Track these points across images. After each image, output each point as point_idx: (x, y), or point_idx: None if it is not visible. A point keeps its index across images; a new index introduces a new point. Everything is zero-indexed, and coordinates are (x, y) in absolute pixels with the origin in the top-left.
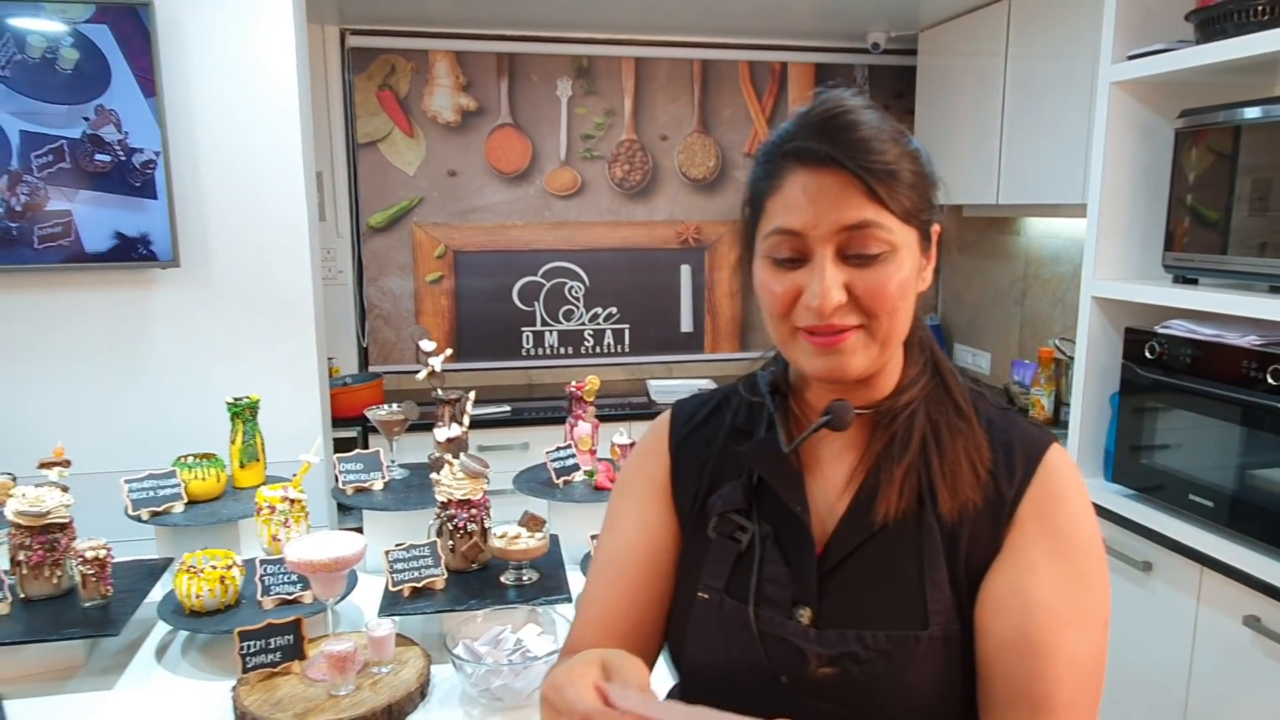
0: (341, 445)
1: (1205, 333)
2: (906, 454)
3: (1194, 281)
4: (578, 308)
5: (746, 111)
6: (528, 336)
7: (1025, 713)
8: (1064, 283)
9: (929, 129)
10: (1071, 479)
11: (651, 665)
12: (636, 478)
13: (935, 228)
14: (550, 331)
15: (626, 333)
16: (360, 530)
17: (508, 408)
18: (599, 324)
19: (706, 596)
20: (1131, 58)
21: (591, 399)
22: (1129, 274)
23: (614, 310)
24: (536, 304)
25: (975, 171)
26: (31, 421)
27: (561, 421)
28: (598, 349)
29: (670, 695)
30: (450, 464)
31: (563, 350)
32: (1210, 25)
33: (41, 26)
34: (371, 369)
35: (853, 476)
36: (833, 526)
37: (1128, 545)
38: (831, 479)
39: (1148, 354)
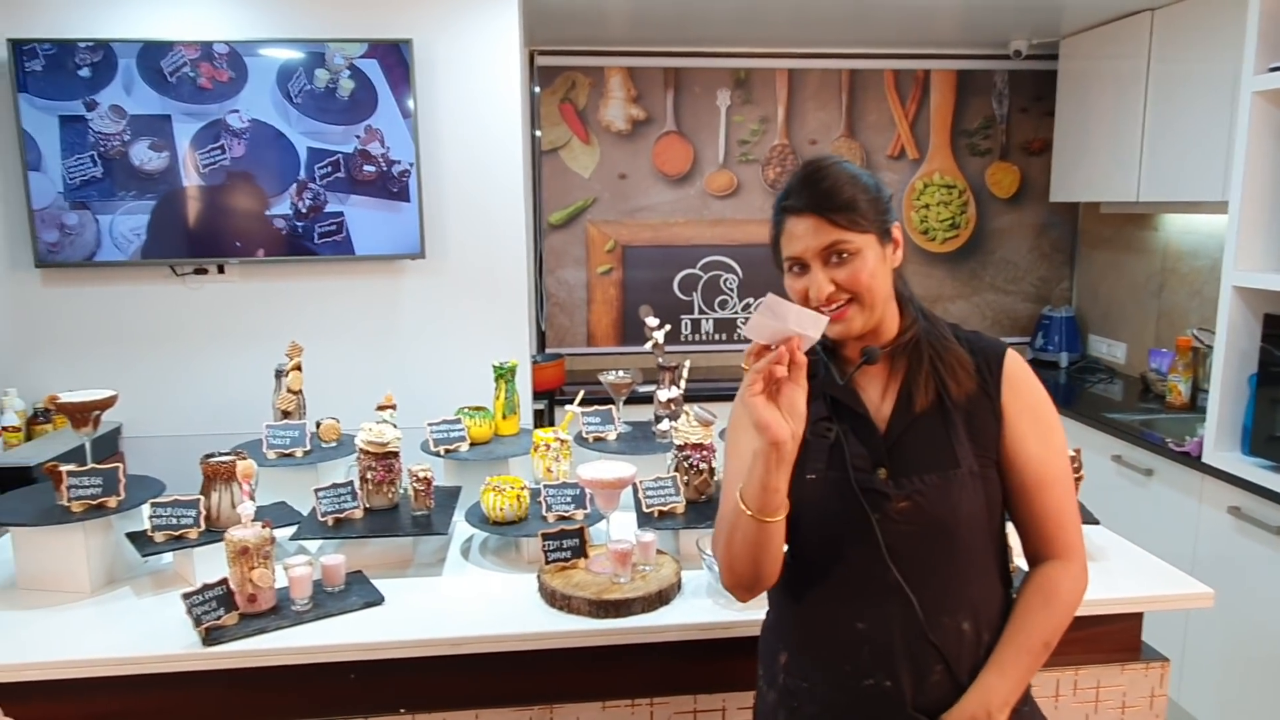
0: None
1: None
2: (922, 367)
3: None
4: (732, 298)
5: (890, 117)
6: (686, 324)
7: (1044, 523)
8: (1202, 276)
9: (1068, 130)
10: (1025, 369)
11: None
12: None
13: (895, 225)
14: (707, 319)
15: None
16: None
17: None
18: (751, 313)
19: (814, 476)
20: (1273, 69)
21: None
22: (1267, 265)
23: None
24: (695, 294)
25: (1114, 170)
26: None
27: (717, 399)
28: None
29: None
30: (687, 414)
31: (718, 336)
32: None
33: (326, 63)
34: (548, 351)
35: (887, 389)
36: (886, 419)
37: (1262, 512)
38: (873, 393)
39: None
